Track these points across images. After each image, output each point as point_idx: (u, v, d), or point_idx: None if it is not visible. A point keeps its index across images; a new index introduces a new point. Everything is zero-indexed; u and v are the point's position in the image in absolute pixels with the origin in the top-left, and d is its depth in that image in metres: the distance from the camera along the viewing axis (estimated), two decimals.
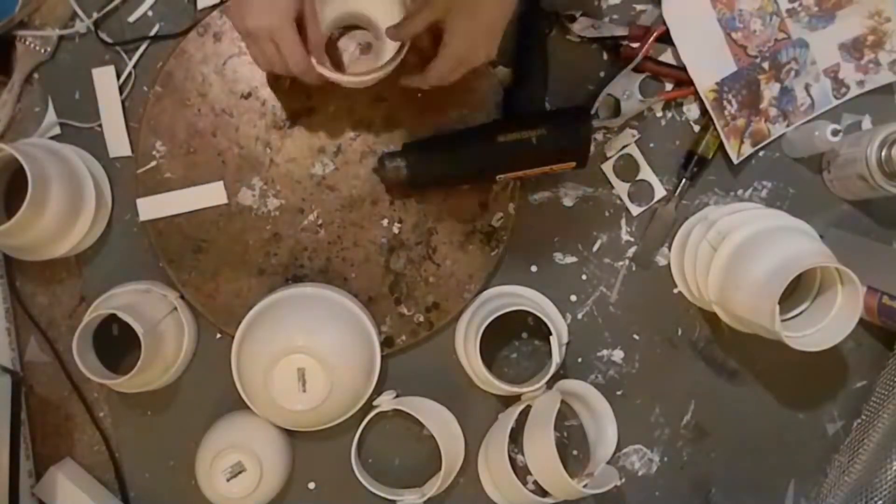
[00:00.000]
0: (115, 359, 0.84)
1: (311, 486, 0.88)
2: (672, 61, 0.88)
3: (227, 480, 0.81)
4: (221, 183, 0.85)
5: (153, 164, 0.86)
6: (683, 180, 0.88)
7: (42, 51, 0.87)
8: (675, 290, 0.89)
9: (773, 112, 0.87)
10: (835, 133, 0.81)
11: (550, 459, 0.78)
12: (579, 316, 0.89)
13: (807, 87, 0.88)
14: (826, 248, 0.76)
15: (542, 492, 0.83)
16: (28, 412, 0.87)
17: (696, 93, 0.87)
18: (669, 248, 0.90)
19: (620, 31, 0.87)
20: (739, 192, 0.90)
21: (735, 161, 0.87)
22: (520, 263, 0.89)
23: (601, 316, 0.89)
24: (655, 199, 0.89)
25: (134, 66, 0.87)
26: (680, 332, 0.90)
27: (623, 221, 0.90)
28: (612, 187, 0.89)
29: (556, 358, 0.81)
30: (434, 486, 0.83)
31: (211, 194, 0.85)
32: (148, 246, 0.87)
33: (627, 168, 0.89)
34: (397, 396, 0.86)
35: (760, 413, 0.90)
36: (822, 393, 0.90)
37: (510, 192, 0.87)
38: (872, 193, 0.84)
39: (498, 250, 0.87)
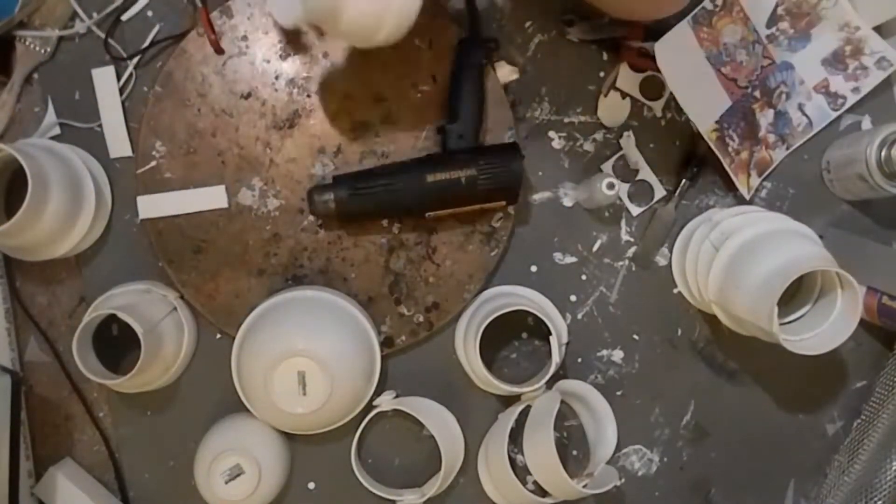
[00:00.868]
0: (114, 359, 0.84)
1: (311, 486, 0.89)
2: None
3: (226, 483, 0.81)
4: (223, 187, 0.85)
5: (153, 164, 0.86)
6: (683, 181, 0.88)
7: (42, 51, 0.87)
8: (675, 291, 0.89)
9: (771, 138, 0.88)
10: (610, 187, 0.81)
11: (550, 459, 0.78)
12: (579, 316, 0.89)
13: (800, 107, 0.88)
14: (827, 252, 0.76)
15: (541, 492, 0.83)
16: (28, 412, 0.87)
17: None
18: (670, 249, 0.90)
19: (620, 32, 0.87)
20: (739, 192, 0.90)
21: (747, 197, 0.87)
22: (520, 263, 0.89)
23: (601, 316, 0.89)
24: (655, 200, 0.89)
25: (135, 67, 0.87)
26: (680, 333, 0.90)
27: (623, 222, 0.90)
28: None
29: (556, 358, 0.81)
30: (434, 486, 0.83)
31: (212, 197, 0.85)
32: (148, 246, 0.87)
33: (627, 168, 0.89)
34: (397, 396, 0.86)
35: (760, 413, 0.90)
36: (821, 393, 0.90)
37: None
38: (872, 194, 0.84)
39: (498, 250, 0.87)
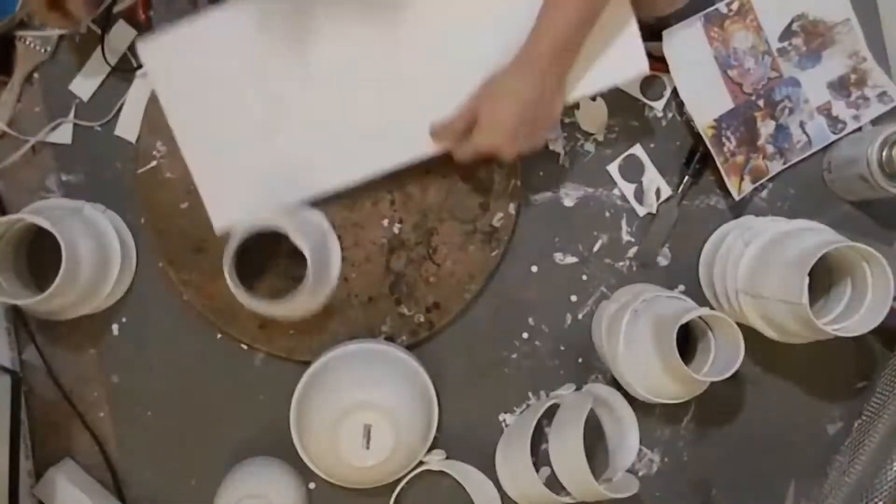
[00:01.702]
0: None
1: None
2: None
3: None
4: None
5: (153, 164, 0.86)
6: (686, 178, 0.88)
7: (42, 51, 0.87)
8: (675, 291, 0.89)
9: (770, 149, 0.88)
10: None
11: (577, 457, 0.78)
12: (579, 316, 0.89)
13: (802, 125, 0.88)
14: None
15: (557, 488, 0.83)
16: (28, 412, 0.87)
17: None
18: (671, 249, 0.90)
19: None
20: None
21: (736, 198, 0.87)
22: (520, 263, 0.89)
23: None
24: (662, 199, 0.89)
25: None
26: None
27: (623, 222, 0.90)
28: (613, 188, 0.89)
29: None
30: None
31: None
32: (148, 245, 0.87)
33: (632, 169, 0.89)
34: (447, 458, 0.86)
35: (760, 413, 0.90)
36: (822, 393, 0.90)
37: (511, 193, 0.87)
38: (873, 194, 0.84)
39: (498, 250, 0.87)
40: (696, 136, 0.89)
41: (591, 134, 0.89)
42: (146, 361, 0.88)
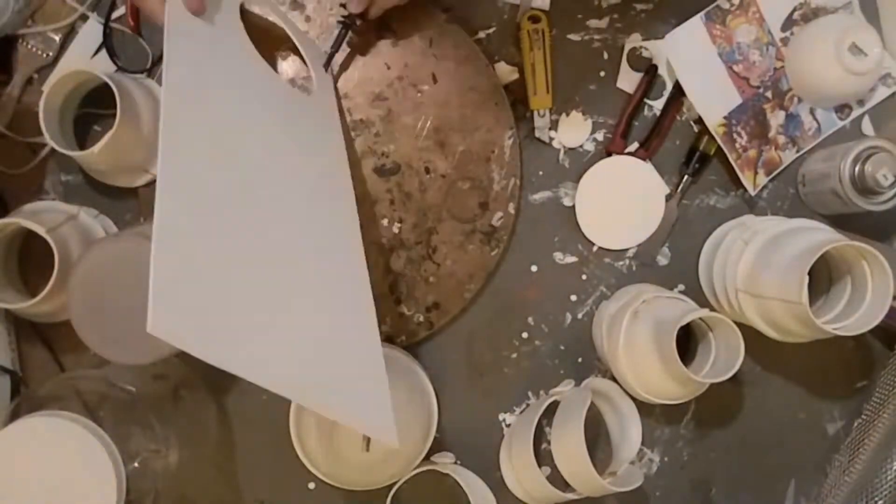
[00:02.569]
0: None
1: None
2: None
3: None
4: None
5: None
6: (686, 177, 0.88)
7: (44, 54, 0.87)
8: (675, 290, 0.89)
9: (781, 139, 0.88)
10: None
11: (579, 453, 0.78)
12: (579, 316, 0.89)
13: (812, 112, 0.88)
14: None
15: (561, 485, 0.83)
16: None
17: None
18: (670, 249, 0.90)
19: None
20: (740, 191, 0.90)
21: (752, 193, 0.87)
22: (520, 263, 0.89)
23: None
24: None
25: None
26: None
27: None
28: None
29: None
30: None
31: None
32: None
33: None
34: (456, 462, 0.86)
35: (760, 413, 0.90)
36: (822, 393, 0.90)
37: (510, 192, 0.87)
38: (845, 209, 0.84)
39: (498, 250, 0.87)
40: (696, 135, 0.89)
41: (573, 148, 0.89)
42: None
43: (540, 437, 0.86)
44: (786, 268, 0.75)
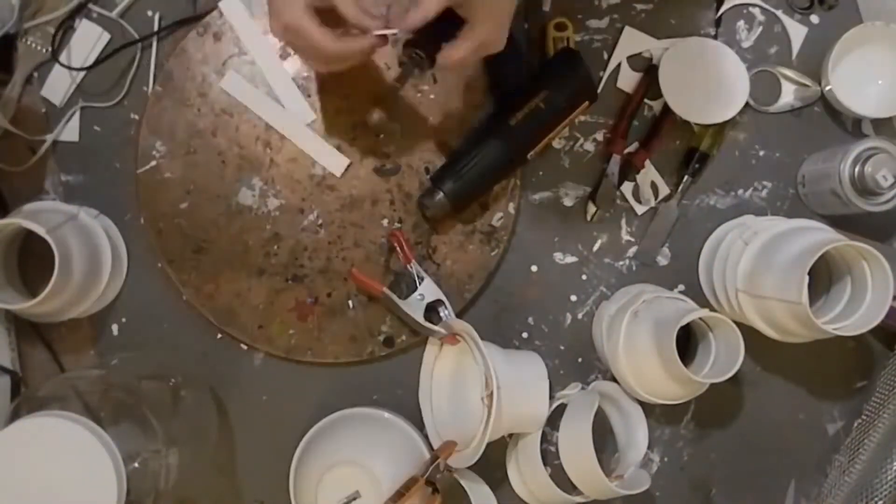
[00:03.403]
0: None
1: None
2: None
3: None
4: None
5: (153, 163, 0.86)
6: (686, 177, 0.88)
7: (43, 50, 0.87)
8: (675, 290, 0.89)
9: None
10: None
11: (587, 456, 0.78)
12: (579, 316, 0.89)
13: None
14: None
15: (568, 487, 0.83)
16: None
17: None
18: (671, 249, 0.90)
19: None
20: (740, 191, 0.90)
21: None
22: (520, 263, 0.89)
23: None
24: (660, 198, 0.89)
25: (136, 68, 0.87)
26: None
27: (623, 221, 0.90)
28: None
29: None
30: None
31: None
32: (147, 245, 0.87)
33: (630, 167, 0.89)
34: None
35: (760, 413, 0.90)
36: (822, 393, 0.90)
37: (510, 192, 0.87)
38: (845, 210, 0.84)
39: (498, 250, 0.87)
40: (695, 135, 0.89)
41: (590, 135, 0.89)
42: (146, 361, 0.87)
43: (542, 438, 0.86)
44: (786, 268, 0.75)
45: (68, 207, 0.85)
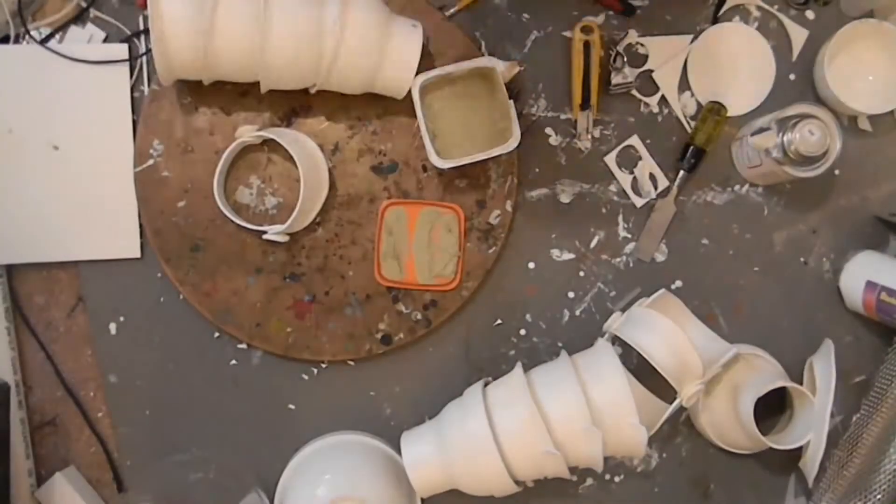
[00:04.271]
0: None
1: None
2: None
3: None
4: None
5: (150, 162, 0.86)
6: (682, 172, 0.88)
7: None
8: (673, 286, 0.89)
9: None
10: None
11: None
12: (577, 312, 0.89)
13: None
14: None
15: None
16: (28, 411, 0.87)
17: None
18: (668, 245, 0.90)
19: None
20: (736, 187, 0.90)
21: None
22: (517, 260, 0.89)
23: (599, 312, 0.89)
24: (659, 191, 0.90)
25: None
26: None
27: (620, 218, 0.90)
28: (610, 184, 0.89)
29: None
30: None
31: None
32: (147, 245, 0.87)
33: (629, 160, 0.89)
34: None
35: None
36: None
37: (507, 190, 0.87)
38: (775, 179, 0.86)
39: (496, 247, 0.87)
40: (691, 130, 0.89)
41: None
42: (144, 361, 0.88)
43: None
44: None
45: None
